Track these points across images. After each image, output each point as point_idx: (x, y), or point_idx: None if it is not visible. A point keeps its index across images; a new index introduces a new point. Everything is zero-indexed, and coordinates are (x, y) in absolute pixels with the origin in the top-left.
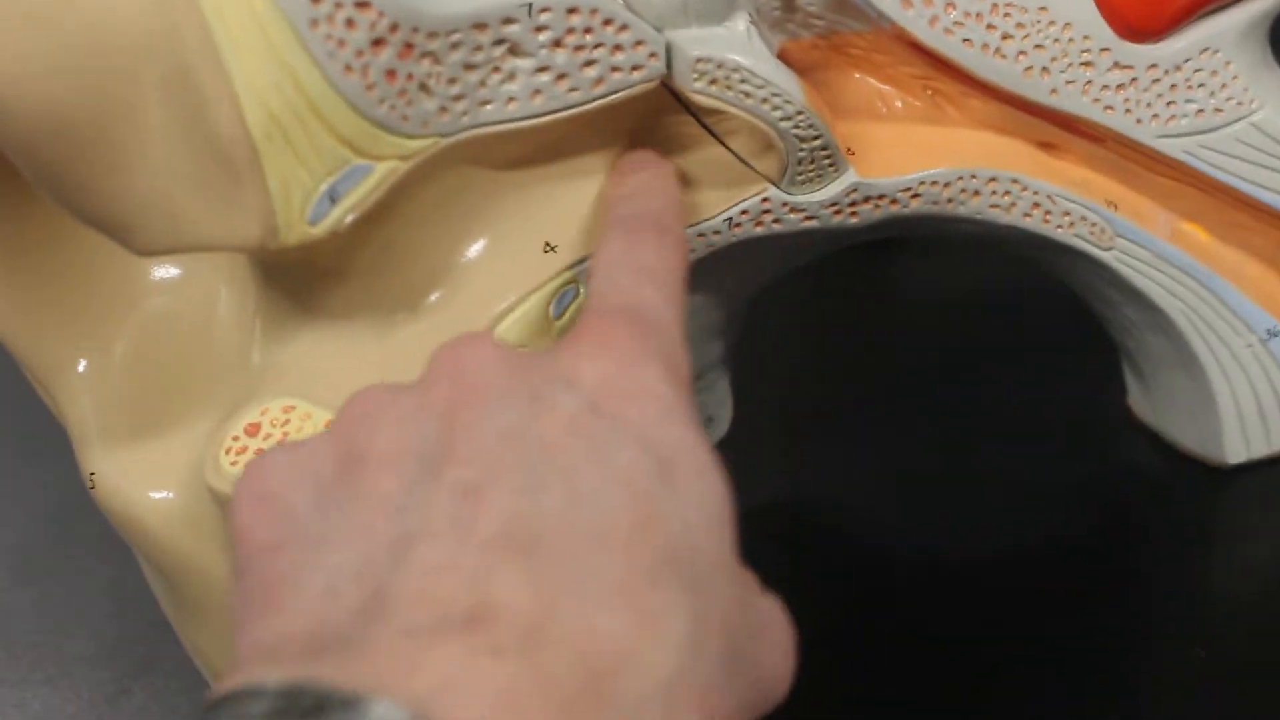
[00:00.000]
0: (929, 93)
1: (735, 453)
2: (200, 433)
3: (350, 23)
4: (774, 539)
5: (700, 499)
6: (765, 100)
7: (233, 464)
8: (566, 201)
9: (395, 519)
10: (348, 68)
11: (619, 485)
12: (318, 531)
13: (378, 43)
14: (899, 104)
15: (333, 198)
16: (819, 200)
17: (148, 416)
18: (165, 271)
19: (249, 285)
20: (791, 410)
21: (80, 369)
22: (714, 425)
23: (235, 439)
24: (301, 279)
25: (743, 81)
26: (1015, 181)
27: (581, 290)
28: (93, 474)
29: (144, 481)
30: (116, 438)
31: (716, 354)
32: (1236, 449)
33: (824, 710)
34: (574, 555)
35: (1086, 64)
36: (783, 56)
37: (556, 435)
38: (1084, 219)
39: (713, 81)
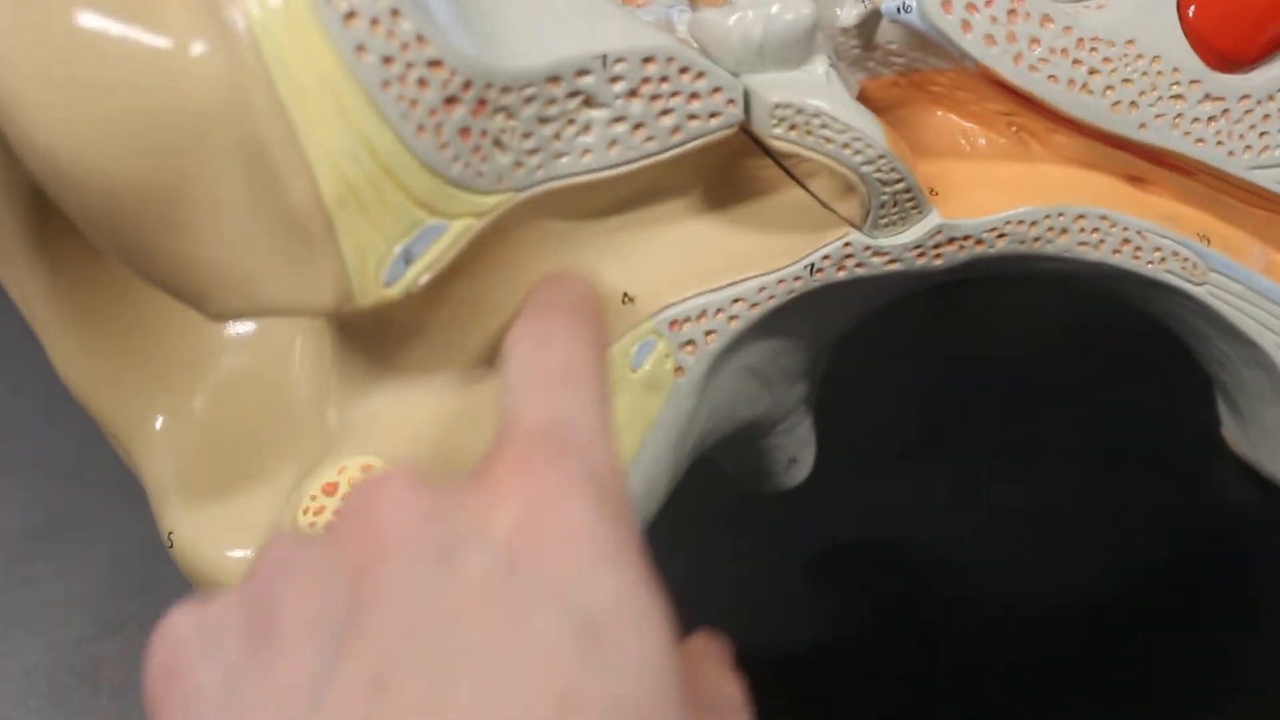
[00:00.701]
0: (1013, 129)
1: (815, 491)
2: (278, 490)
3: (423, 82)
4: (858, 577)
5: (637, 660)
6: (846, 145)
7: (310, 524)
8: (644, 251)
9: (301, 711)
10: (420, 128)
11: (536, 662)
12: (225, 715)
13: (450, 101)
14: (982, 141)
15: (407, 259)
16: (902, 243)
17: (225, 474)
18: (241, 327)
19: (325, 341)
20: (873, 445)
21: (157, 426)
22: (796, 467)
23: (313, 498)
24: (378, 335)
25: (823, 126)
26: (1104, 218)
27: (661, 342)
28: (171, 533)
29: (222, 540)
30: (194, 496)
31: (798, 397)
32: None
33: None
34: None
35: (1176, 97)
36: (862, 95)
37: (467, 603)
38: (1175, 254)
39: (792, 127)
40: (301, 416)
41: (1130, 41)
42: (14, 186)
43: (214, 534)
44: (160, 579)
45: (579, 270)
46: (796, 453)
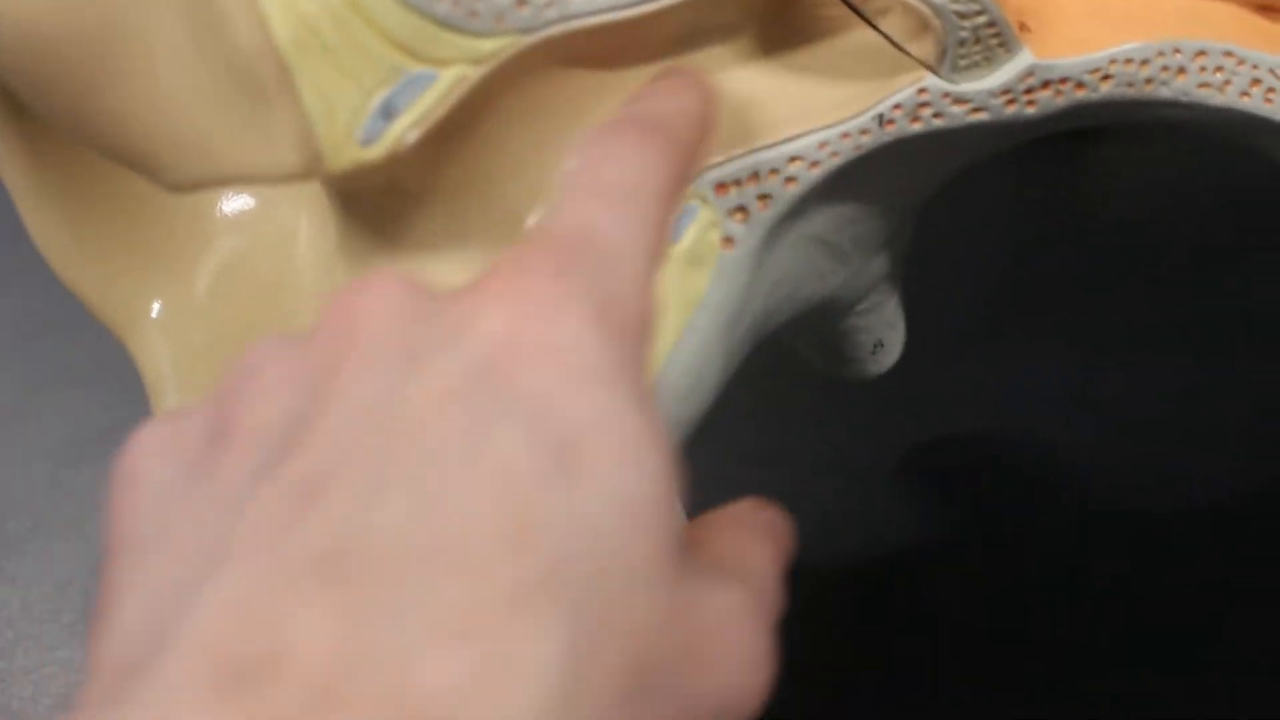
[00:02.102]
0: None
1: (903, 379)
2: None
3: None
4: (951, 472)
5: (614, 488)
6: None
7: None
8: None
9: (225, 521)
10: None
11: (489, 482)
12: (160, 528)
13: None
14: None
15: (388, 113)
16: (987, 88)
17: (215, 366)
18: (239, 205)
19: (329, 216)
20: (969, 326)
21: (154, 313)
22: (883, 352)
23: None
24: (382, 206)
25: None
26: (1229, 54)
27: (705, 209)
28: None
29: None
30: (194, 386)
31: (880, 270)
32: None
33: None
34: (408, 581)
35: None
36: None
37: (426, 411)
38: None
39: None
40: (307, 299)
41: None
42: None
43: None
44: None
45: (694, 73)
46: (882, 335)
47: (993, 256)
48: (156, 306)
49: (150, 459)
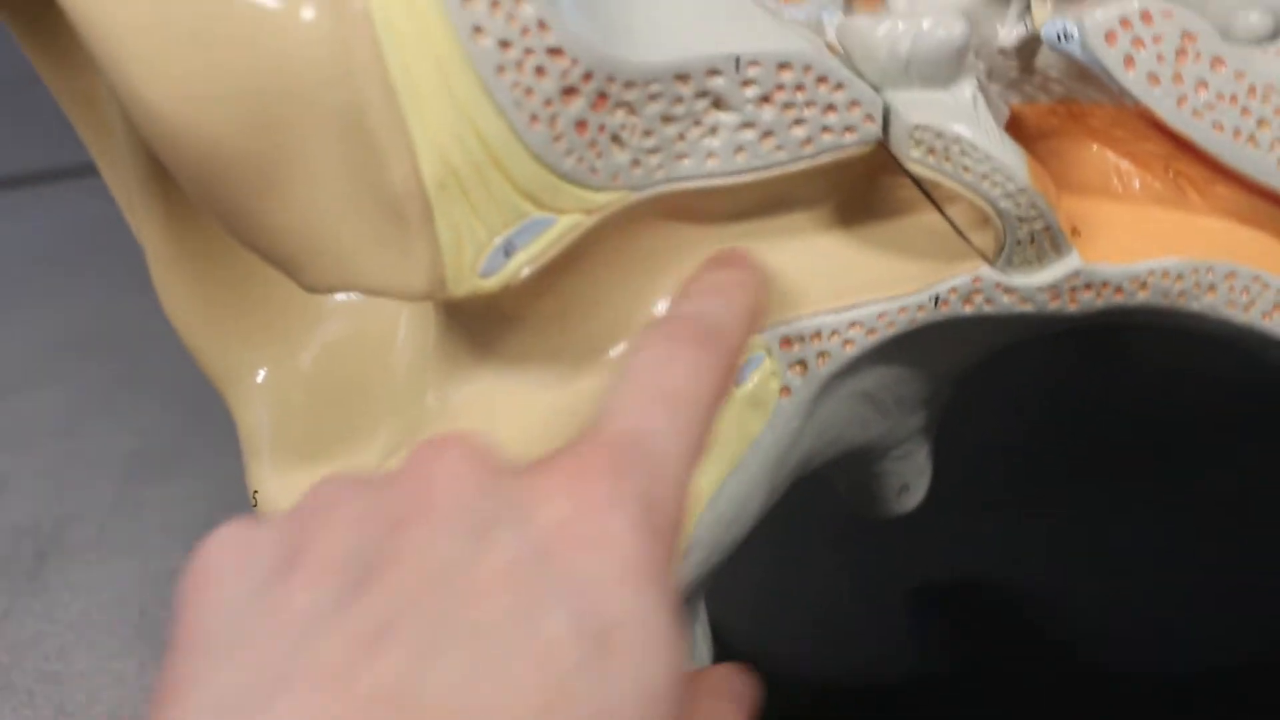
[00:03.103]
0: (1171, 174)
1: (927, 523)
2: (368, 460)
3: (540, 70)
4: (954, 616)
5: (637, 679)
6: (985, 176)
7: None
8: (763, 264)
9: (293, 648)
10: (534, 118)
11: (534, 657)
12: (230, 637)
13: (569, 92)
14: (1137, 183)
15: (508, 251)
16: (1036, 284)
17: (317, 438)
18: (350, 294)
19: (430, 318)
20: (990, 481)
21: (259, 378)
22: (908, 494)
23: None
24: (481, 321)
25: (963, 154)
26: (1257, 279)
27: (769, 360)
28: (256, 491)
29: None
30: (285, 454)
31: (916, 425)
32: None
33: None
34: None
35: None
36: (1017, 119)
37: (489, 583)
38: None
39: (930, 151)
40: (398, 391)
41: None
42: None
43: (299, 496)
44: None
45: (748, 265)
46: (910, 479)
47: (1019, 415)
48: (262, 373)
49: (226, 565)
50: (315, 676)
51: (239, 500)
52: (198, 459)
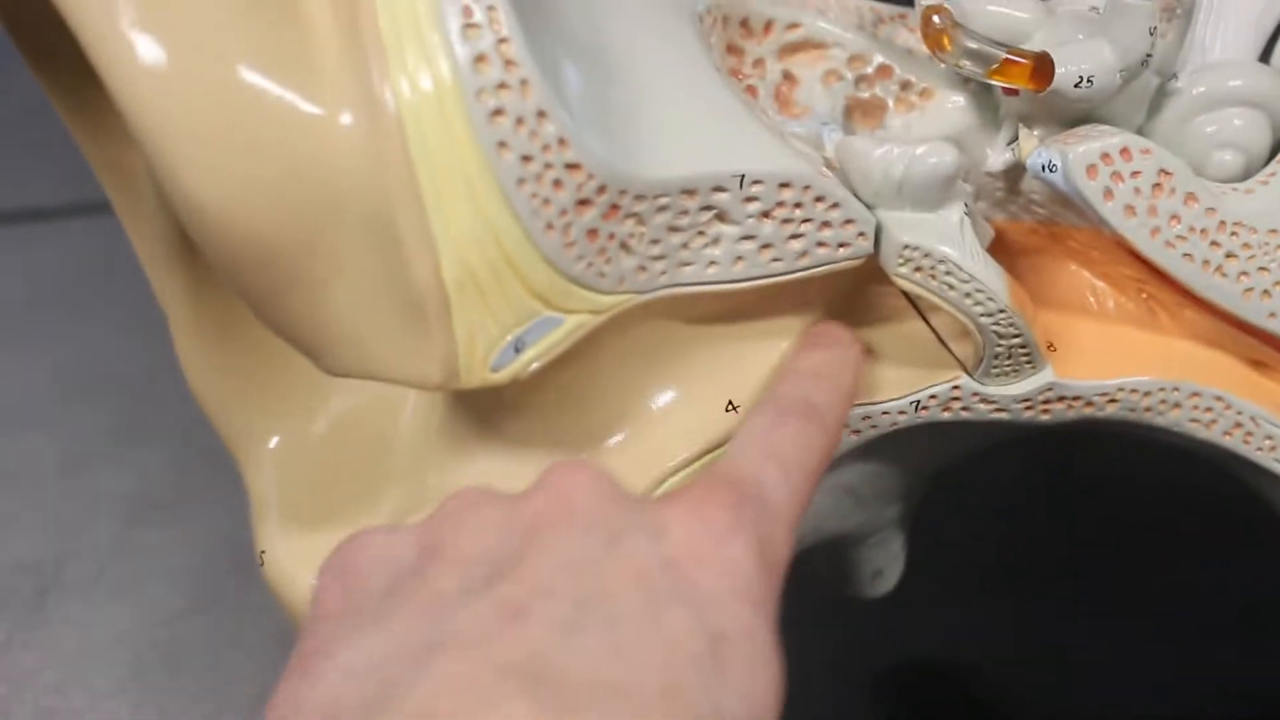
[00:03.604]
0: (1144, 296)
1: (900, 608)
2: None
3: (558, 183)
4: (926, 700)
5: (745, 688)
6: (968, 295)
7: None
8: (755, 362)
9: (439, 620)
10: (549, 226)
11: (660, 646)
12: (373, 614)
13: (583, 203)
14: (1111, 304)
15: (518, 347)
16: (1011, 394)
17: (324, 505)
18: None
19: (436, 397)
20: (964, 571)
21: (271, 445)
22: (881, 580)
23: None
24: (485, 407)
25: (947, 273)
26: (1219, 399)
27: None
28: (263, 552)
29: (309, 567)
30: (292, 519)
31: (893, 516)
32: None
33: None
34: (590, 702)
35: None
36: (1001, 235)
37: (620, 581)
38: None
39: (917, 269)
40: (403, 463)
41: (1274, 230)
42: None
43: (302, 561)
44: (252, 562)
45: (846, 344)
46: (885, 565)
47: (993, 511)
48: (275, 440)
49: (366, 557)
50: (462, 643)
51: (237, 546)
52: (198, 503)
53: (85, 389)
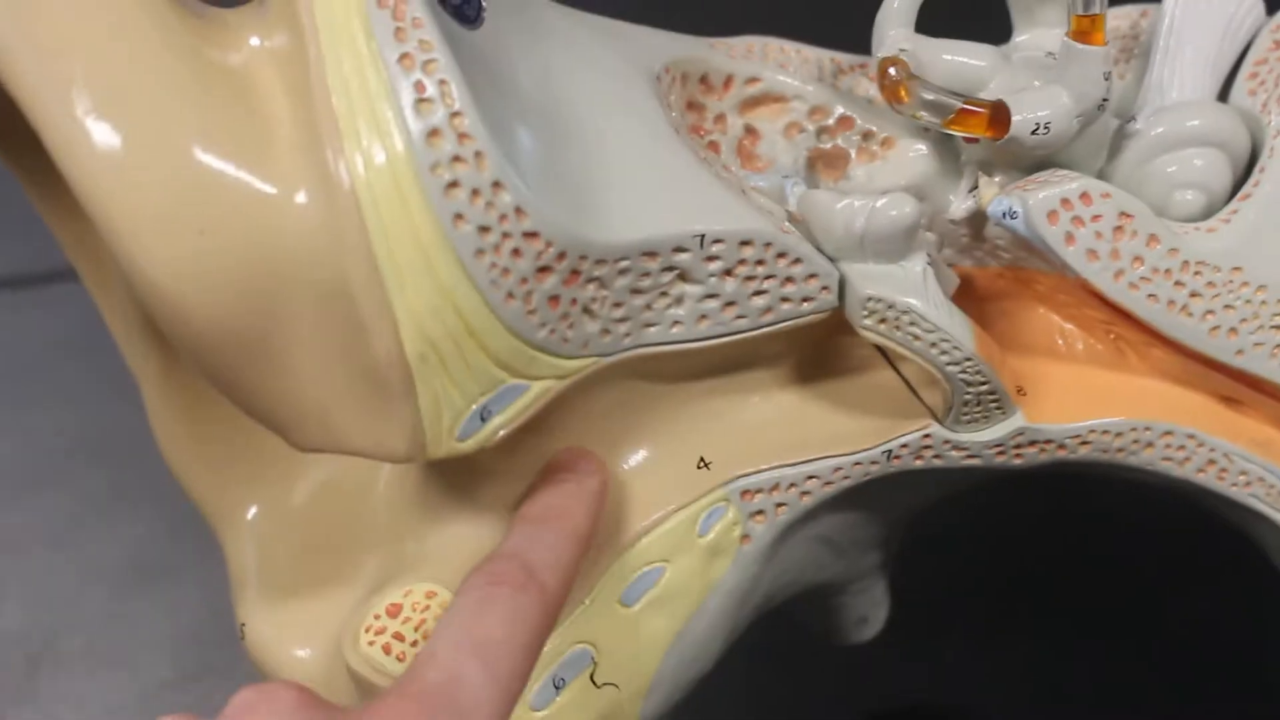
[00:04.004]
0: (1112, 337)
1: (884, 650)
2: (349, 599)
3: (517, 252)
4: None
5: None
6: (934, 345)
7: (370, 643)
8: (726, 418)
9: None
10: (510, 295)
11: None
12: None
13: (543, 270)
14: (1080, 345)
15: (484, 416)
16: (982, 440)
17: (303, 575)
18: None
19: (410, 467)
20: (948, 613)
21: (249, 516)
22: (865, 626)
23: (376, 617)
24: (458, 473)
25: (912, 324)
26: (1191, 437)
27: (731, 510)
28: (244, 624)
29: (290, 639)
30: (272, 589)
31: (872, 563)
32: None
33: None
34: None
35: (1278, 327)
36: (967, 281)
37: None
38: (1262, 480)
39: (882, 320)
40: (381, 530)
41: (1237, 268)
42: None
43: (284, 632)
44: None
45: (582, 472)
46: (868, 612)
47: (978, 553)
48: (253, 510)
49: None
50: None
51: (226, 616)
52: (189, 570)
53: (75, 456)
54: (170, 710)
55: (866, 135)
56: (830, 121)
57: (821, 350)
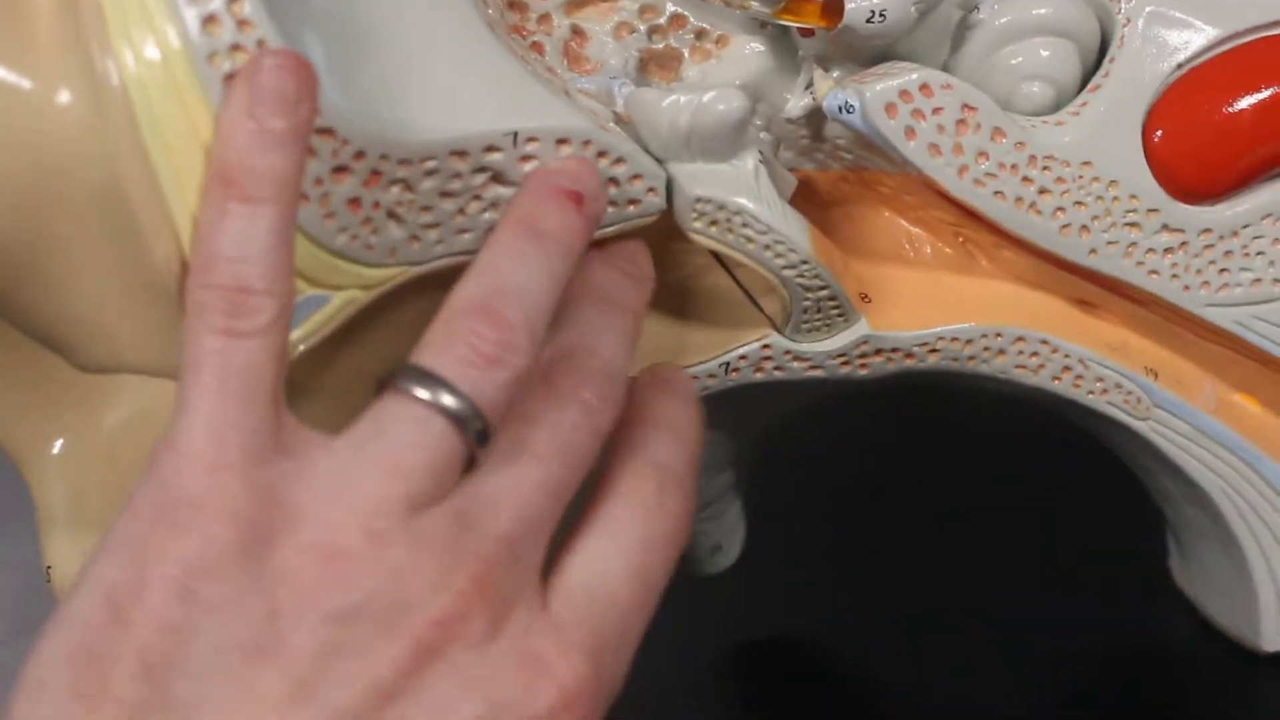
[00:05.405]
0: (960, 240)
1: (740, 581)
2: None
3: (310, 150)
4: (772, 674)
5: None
6: (768, 247)
7: None
8: None
9: None
10: (304, 196)
11: None
12: None
13: (340, 170)
14: (928, 249)
15: None
16: (825, 350)
17: (114, 505)
18: None
19: None
20: (806, 542)
21: (55, 449)
22: (721, 554)
23: None
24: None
25: (744, 226)
26: (1045, 342)
27: None
28: (50, 567)
29: None
30: (82, 526)
31: (725, 484)
32: (1274, 636)
33: None
34: None
35: (1132, 225)
36: (809, 185)
37: None
38: (1119, 386)
39: (713, 223)
40: None
41: (1087, 163)
42: None
43: None
44: None
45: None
46: (722, 539)
47: (835, 475)
48: (59, 444)
49: None
50: None
51: None
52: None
53: None
54: (3, 665)
55: (700, 34)
56: (662, 20)
57: (657, 258)
